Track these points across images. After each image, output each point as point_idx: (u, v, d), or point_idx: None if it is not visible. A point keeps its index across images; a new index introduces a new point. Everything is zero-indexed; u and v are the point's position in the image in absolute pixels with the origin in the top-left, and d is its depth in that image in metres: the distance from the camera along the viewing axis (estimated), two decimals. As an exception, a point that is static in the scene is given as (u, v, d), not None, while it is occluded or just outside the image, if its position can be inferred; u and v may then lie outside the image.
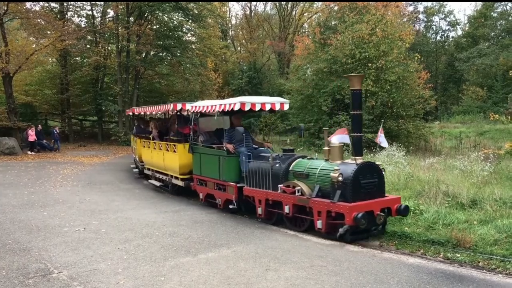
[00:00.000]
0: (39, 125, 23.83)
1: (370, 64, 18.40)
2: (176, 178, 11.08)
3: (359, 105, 6.87)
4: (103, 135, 30.06)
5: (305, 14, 40.44)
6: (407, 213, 7.03)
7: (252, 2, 41.56)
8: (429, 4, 45.00)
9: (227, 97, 29.54)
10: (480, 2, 42.30)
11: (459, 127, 27.37)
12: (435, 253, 6.21)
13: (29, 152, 20.85)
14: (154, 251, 6.23)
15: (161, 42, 27.97)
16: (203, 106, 9.45)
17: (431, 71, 33.81)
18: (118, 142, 26.69)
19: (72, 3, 28.54)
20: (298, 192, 7.14)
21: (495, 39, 39.50)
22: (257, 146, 9.37)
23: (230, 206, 8.71)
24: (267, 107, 8.61)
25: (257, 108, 8.45)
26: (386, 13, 20.39)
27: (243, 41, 43.62)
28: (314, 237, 6.98)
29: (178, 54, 28.27)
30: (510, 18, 38.26)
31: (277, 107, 8.76)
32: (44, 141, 22.50)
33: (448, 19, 46.35)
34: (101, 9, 29.94)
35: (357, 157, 6.79)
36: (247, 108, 8.34)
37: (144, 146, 13.86)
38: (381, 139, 7.23)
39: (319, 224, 6.75)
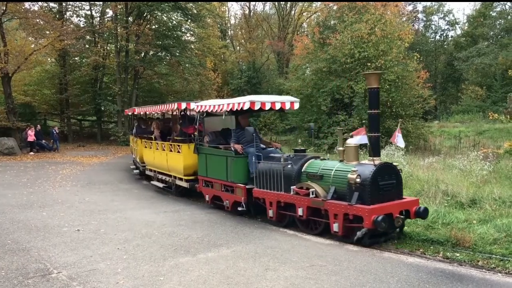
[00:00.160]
0: (38, 125, 23.83)
1: (369, 64, 18.41)
2: (180, 179, 10.76)
3: (376, 104, 6.65)
4: (102, 135, 30.05)
5: (304, 14, 40.43)
6: (427, 216, 6.76)
7: (251, 2, 41.62)
8: (428, 3, 45.08)
9: (226, 97, 29.56)
10: (479, 2, 42.38)
11: (458, 127, 27.39)
12: (434, 253, 6.21)
13: (31, 153, 20.83)
14: (153, 251, 6.22)
15: (160, 42, 27.97)
16: (210, 106, 9.12)
17: (430, 71, 33.80)
18: (117, 142, 26.68)
19: (71, 3, 28.55)
20: (312, 194, 6.87)
21: (494, 38, 39.58)
22: (264, 146, 9.05)
23: (239, 208, 8.38)
24: (277, 106, 8.29)
25: (267, 107, 8.16)
26: (385, 12, 20.40)
27: (242, 40, 43.62)
28: (313, 237, 6.97)
29: (177, 54, 28.26)
30: (509, 17, 38.34)
31: (287, 106, 8.45)
32: (43, 141, 22.49)
33: (447, 18, 46.42)
34: (100, 9, 29.92)
35: (375, 158, 6.55)
36: (257, 107, 8.02)
37: (146, 147, 13.52)
38: (399, 139, 7.03)
39: (335, 227, 6.49)
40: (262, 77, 34.74)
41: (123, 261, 5.78)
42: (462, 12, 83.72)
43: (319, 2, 35.99)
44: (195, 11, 28.30)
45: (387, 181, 6.51)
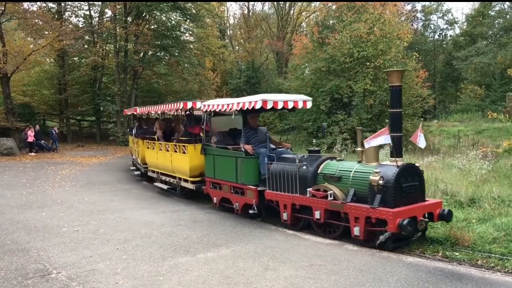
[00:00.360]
0: (37, 126, 23.83)
1: (368, 63, 18.42)
2: (186, 181, 10.43)
3: (399, 102, 6.41)
4: (101, 135, 30.05)
5: (303, 14, 40.43)
6: (451, 218, 6.51)
7: (250, 2, 41.63)
8: (427, 3, 45.13)
9: (225, 97, 29.55)
10: (478, 1, 42.42)
11: (457, 126, 27.42)
12: (433, 252, 6.21)
13: (31, 153, 20.81)
14: (153, 251, 6.22)
15: (159, 42, 27.98)
16: (219, 105, 8.74)
17: (429, 70, 33.86)
18: (116, 142, 26.68)
19: (69, 3, 28.53)
20: (330, 197, 6.58)
21: (493, 37, 39.63)
22: (275, 147, 8.66)
23: (250, 211, 8.08)
24: (290, 105, 8.03)
25: (280, 106, 7.85)
26: (384, 12, 20.39)
27: (241, 40, 43.61)
28: (312, 236, 6.97)
29: (176, 54, 28.26)
30: (508, 16, 38.37)
31: (300, 105, 8.17)
32: (42, 141, 22.48)
33: (446, 17, 46.51)
34: (99, 9, 29.93)
35: (397, 159, 6.31)
36: (269, 106, 7.71)
37: (148, 148, 13.10)
38: (421, 139, 6.81)
39: (356, 231, 6.22)
40: (261, 76, 34.76)
41: (122, 261, 5.77)
42: (461, 11, 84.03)
43: (318, 2, 36.01)
44: (194, 11, 28.30)
45: (410, 183, 6.27)
